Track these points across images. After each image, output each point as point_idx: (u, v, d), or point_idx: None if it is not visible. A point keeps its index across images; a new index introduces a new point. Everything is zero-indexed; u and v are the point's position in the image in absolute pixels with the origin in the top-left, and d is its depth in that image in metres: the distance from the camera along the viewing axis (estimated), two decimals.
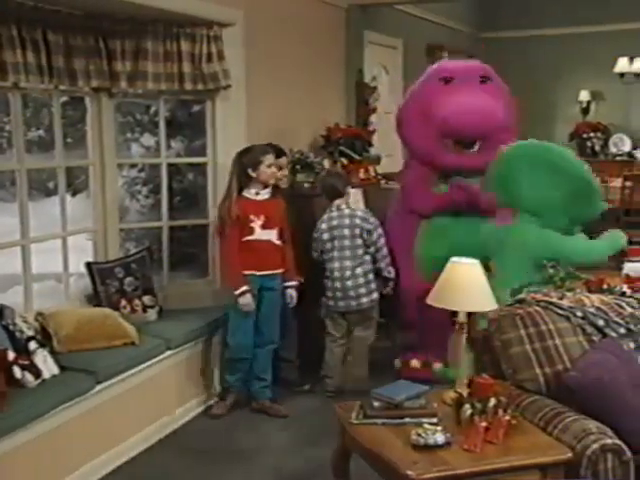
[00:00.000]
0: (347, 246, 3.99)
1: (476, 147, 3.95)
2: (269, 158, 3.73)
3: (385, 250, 4.08)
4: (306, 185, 4.70)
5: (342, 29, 5.69)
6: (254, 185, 3.73)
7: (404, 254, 4.15)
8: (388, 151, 6.66)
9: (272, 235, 3.76)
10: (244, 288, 3.67)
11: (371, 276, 4.07)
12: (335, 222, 4.01)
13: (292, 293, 3.91)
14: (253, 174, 3.70)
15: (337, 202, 4.07)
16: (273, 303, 3.83)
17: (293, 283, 3.91)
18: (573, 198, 3.37)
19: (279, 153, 4.13)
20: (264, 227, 3.72)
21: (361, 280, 4.01)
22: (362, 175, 5.21)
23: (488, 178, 3.66)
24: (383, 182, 5.66)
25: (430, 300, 2.79)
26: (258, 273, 3.73)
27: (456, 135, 3.91)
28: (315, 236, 4.07)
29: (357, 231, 3.97)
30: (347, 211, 4.02)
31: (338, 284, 4.02)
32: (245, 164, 3.70)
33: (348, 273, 3.99)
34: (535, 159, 3.48)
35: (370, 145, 5.52)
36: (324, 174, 4.32)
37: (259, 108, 4.55)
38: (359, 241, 3.99)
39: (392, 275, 4.12)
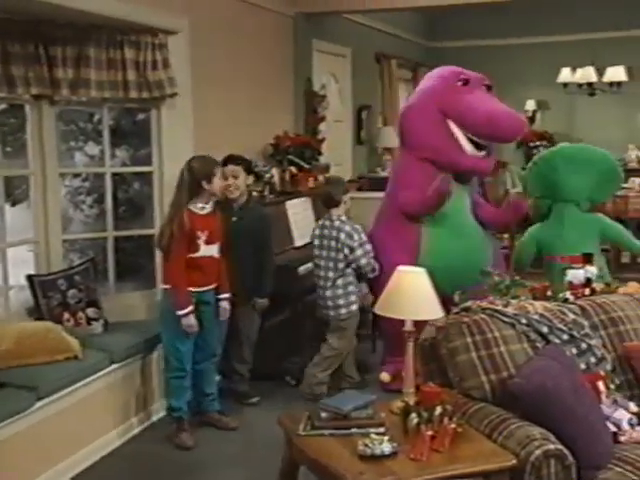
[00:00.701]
0: (332, 257, 4.05)
1: (485, 151, 4.10)
2: (219, 171, 3.65)
3: (369, 267, 4.08)
4: (255, 194, 4.68)
5: (290, 37, 5.71)
6: (201, 198, 3.59)
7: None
8: (337, 160, 6.70)
9: (214, 250, 3.66)
10: (189, 309, 3.56)
11: (351, 288, 4.12)
12: (326, 232, 4.08)
13: (225, 306, 3.83)
14: (207, 186, 3.56)
15: (333, 211, 4.09)
16: (211, 317, 3.76)
17: (225, 296, 3.81)
18: (603, 182, 4.51)
19: (237, 161, 4.06)
20: (207, 242, 3.60)
21: (340, 291, 4.08)
22: (311, 184, 5.23)
23: (525, 178, 4.52)
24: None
25: (378, 309, 2.81)
26: (198, 289, 3.64)
27: (493, 135, 3.99)
28: (310, 241, 4.24)
29: (339, 245, 4.02)
30: (337, 223, 4.05)
31: (320, 292, 4.13)
32: (198, 175, 3.54)
33: (329, 283, 4.07)
34: (569, 157, 4.51)
35: (319, 154, 5.55)
36: (323, 181, 4.35)
37: (206, 116, 4.52)
38: (341, 255, 4.04)
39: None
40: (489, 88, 4.16)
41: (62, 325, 3.65)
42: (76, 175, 4.76)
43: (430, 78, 4.23)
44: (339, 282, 4.07)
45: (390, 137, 7.69)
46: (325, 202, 4.08)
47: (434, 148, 4.02)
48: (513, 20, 8.60)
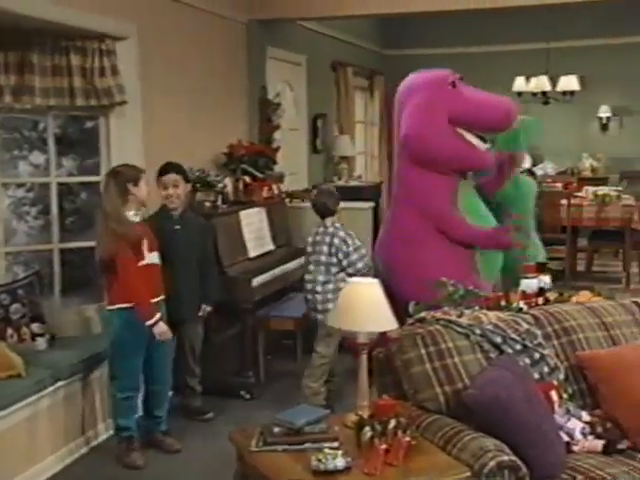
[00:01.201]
0: (323, 262, 4.12)
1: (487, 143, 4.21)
2: (144, 177, 3.58)
3: (366, 269, 4.15)
4: (207, 204, 4.66)
5: (243, 45, 5.70)
6: (131, 206, 3.51)
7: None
8: (293, 169, 6.71)
9: (156, 258, 3.60)
10: (157, 317, 3.49)
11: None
12: (318, 238, 4.17)
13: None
14: (133, 189, 3.46)
15: (328, 220, 4.19)
16: None
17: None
18: None
19: (177, 169, 4.01)
20: (150, 250, 3.54)
21: (330, 296, 4.10)
22: (265, 193, 5.21)
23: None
24: (287, 200, 5.69)
25: (332, 322, 2.81)
26: (154, 300, 3.56)
27: (503, 124, 4.13)
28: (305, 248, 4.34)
29: (333, 250, 4.10)
30: (331, 229, 4.15)
31: (310, 296, 4.17)
32: (124, 179, 3.46)
33: (319, 288, 4.11)
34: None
35: (274, 163, 5.55)
36: (316, 192, 4.45)
37: (157, 125, 4.48)
38: (334, 259, 4.09)
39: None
40: (461, 79, 4.22)
41: (5, 341, 3.56)
42: (20, 185, 4.65)
43: (417, 91, 4.15)
44: (330, 287, 4.10)
45: (346, 146, 7.74)
46: (320, 212, 4.22)
47: (459, 159, 4.08)
48: (469, 29, 8.75)
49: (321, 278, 4.11)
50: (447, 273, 3.40)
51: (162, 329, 3.52)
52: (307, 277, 4.19)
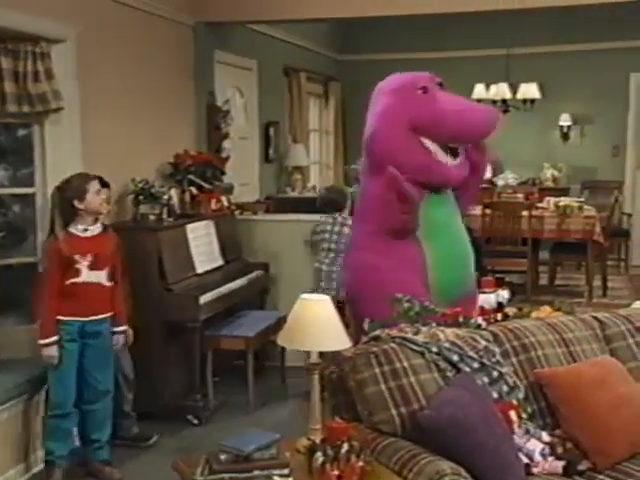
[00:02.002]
0: (333, 249, 4.97)
1: (459, 158, 3.98)
2: (95, 185, 3.57)
3: None
4: (151, 217, 4.62)
5: (190, 48, 5.68)
6: (82, 220, 3.54)
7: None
8: (243, 179, 6.70)
9: (102, 277, 3.58)
10: (53, 339, 3.48)
11: None
12: (328, 227, 5.04)
13: (119, 339, 3.76)
14: (80, 206, 3.50)
15: (337, 213, 5.05)
16: (101, 350, 3.66)
17: (121, 328, 3.75)
18: None
19: (103, 184, 3.96)
20: (92, 268, 3.53)
21: (334, 278, 4.85)
22: (214, 206, 5.20)
23: None
24: (238, 213, 5.68)
25: (281, 341, 2.81)
26: (82, 319, 3.56)
27: (472, 135, 3.94)
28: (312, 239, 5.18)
29: (342, 239, 4.87)
30: (340, 219, 5.03)
31: (323, 275, 4.97)
32: (69, 196, 3.50)
33: (335, 268, 4.88)
34: None
35: (223, 173, 5.53)
36: (324, 190, 5.30)
37: (97, 133, 4.43)
38: (342, 246, 4.80)
39: None
40: (441, 85, 4.05)
41: None
42: None
43: (384, 94, 4.01)
44: (334, 275, 4.89)
45: (300, 155, 7.77)
46: (330, 206, 5.08)
47: (415, 170, 3.82)
48: (427, 34, 8.89)
49: (325, 268, 4.94)
50: (401, 289, 3.37)
51: (50, 353, 3.50)
52: (320, 259, 5.02)
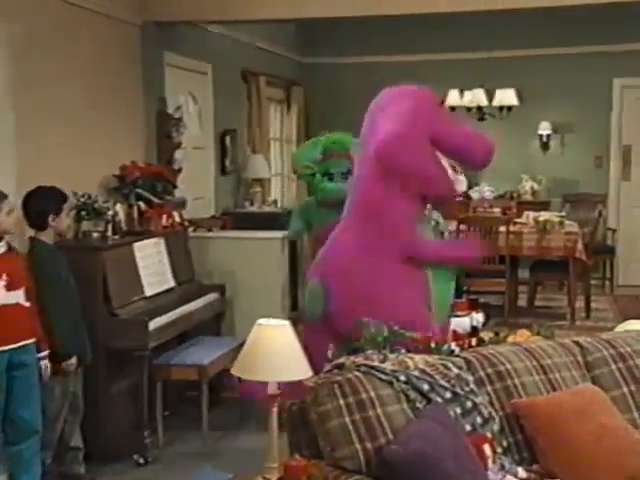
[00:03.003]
0: None
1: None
2: (8, 203, 3.55)
3: None
4: (95, 235, 4.59)
5: (137, 50, 5.67)
6: None
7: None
8: (197, 193, 6.69)
9: (20, 297, 3.55)
10: None
11: None
12: None
13: (46, 363, 3.71)
14: None
15: None
16: (29, 383, 3.60)
17: (45, 353, 3.70)
18: None
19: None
20: (9, 288, 3.49)
21: None
22: (164, 222, 5.18)
23: None
24: (191, 230, 5.67)
25: (236, 371, 2.80)
26: (7, 347, 3.49)
27: (481, 168, 4.35)
28: None
29: None
30: None
31: None
32: None
33: None
34: None
35: (174, 186, 5.51)
36: None
37: (34, 142, 4.40)
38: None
39: None
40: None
41: None
42: None
43: (404, 97, 4.15)
44: None
45: (260, 166, 7.78)
46: None
47: (432, 182, 4.04)
48: (397, 36, 8.99)
49: None
50: (400, 309, 3.51)
51: None
52: None
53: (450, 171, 4.12)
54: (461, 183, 4.57)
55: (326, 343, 3.45)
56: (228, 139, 7.42)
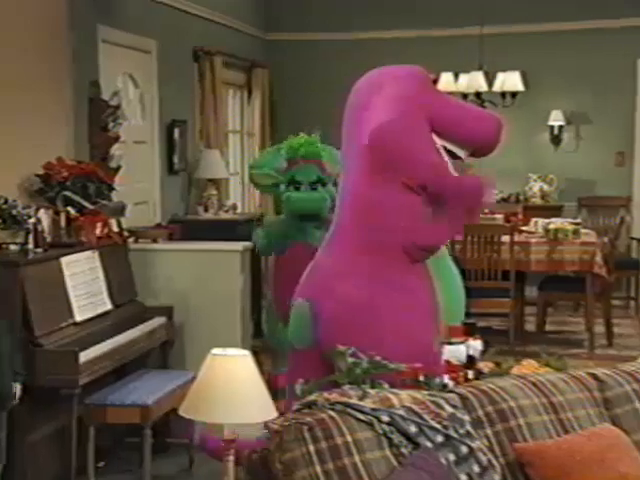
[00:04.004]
0: None
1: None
2: None
3: None
4: (12, 247, 4.57)
5: (64, 24, 5.64)
6: None
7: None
8: (139, 196, 6.67)
9: None
10: None
11: None
12: None
13: None
14: None
15: None
16: None
17: None
18: None
19: None
20: None
21: None
22: (99, 232, 5.16)
23: None
24: (131, 241, 5.65)
25: (184, 411, 2.80)
26: None
27: (492, 149, 4.36)
28: None
29: None
30: None
31: None
32: None
33: None
34: None
35: (111, 189, 5.49)
36: None
37: None
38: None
39: None
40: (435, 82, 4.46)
41: None
42: None
43: (399, 78, 4.28)
44: None
45: (216, 164, 7.78)
46: None
47: (431, 175, 4.14)
48: (378, 8, 9.07)
49: None
50: (406, 324, 3.61)
51: None
52: None
53: (450, 166, 4.20)
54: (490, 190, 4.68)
55: (317, 374, 3.50)
56: (177, 132, 7.42)
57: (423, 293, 4.09)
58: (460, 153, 4.26)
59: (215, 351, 2.81)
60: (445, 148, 4.21)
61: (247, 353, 2.84)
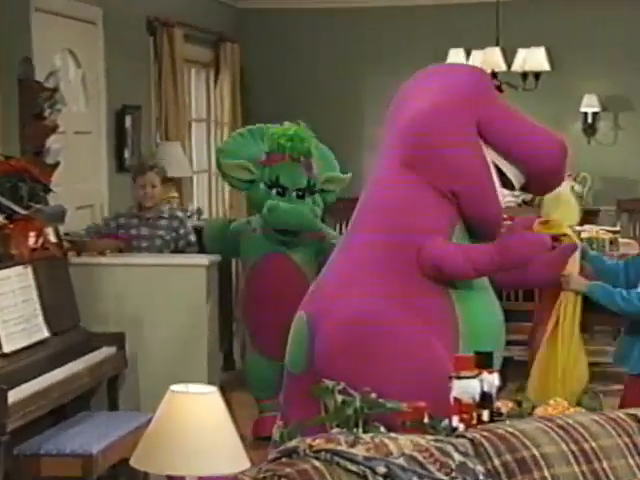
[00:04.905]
0: None
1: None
2: None
3: None
4: None
5: None
6: None
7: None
8: (83, 199, 6.67)
9: None
10: None
11: None
12: None
13: None
14: None
15: None
16: None
17: None
18: None
19: None
20: None
21: None
22: (33, 242, 5.15)
23: None
24: (73, 254, 5.63)
25: (136, 461, 2.80)
26: None
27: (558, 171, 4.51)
28: None
29: None
30: None
31: None
32: None
33: None
34: None
35: (47, 190, 5.48)
36: None
37: None
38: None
39: None
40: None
41: None
42: None
43: (448, 73, 4.55)
44: None
45: (176, 160, 7.76)
46: None
47: (471, 186, 4.25)
48: None
49: None
50: (416, 351, 3.70)
51: None
52: None
53: (499, 187, 4.36)
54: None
55: (312, 412, 3.52)
56: (128, 120, 7.43)
57: (440, 316, 4.15)
58: (512, 175, 4.36)
59: (175, 388, 2.81)
60: (496, 167, 4.32)
61: (214, 390, 2.84)
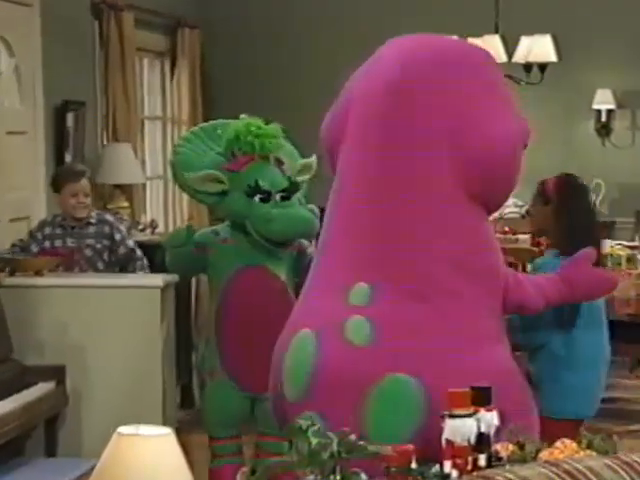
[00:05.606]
0: None
1: None
2: None
3: None
4: None
5: None
6: None
7: None
8: (14, 211, 6.68)
9: None
10: None
11: None
12: None
13: None
14: None
15: None
16: None
17: None
18: None
19: None
20: None
21: None
22: None
23: None
24: (4, 275, 5.64)
25: None
26: None
27: None
28: None
29: None
30: None
31: None
32: None
33: None
34: None
35: None
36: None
37: None
38: None
39: None
40: None
41: None
42: None
43: (475, 68, 4.38)
44: None
45: (127, 164, 7.76)
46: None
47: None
48: None
49: None
50: None
51: None
52: None
53: None
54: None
55: None
56: (70, 118, 7.44)
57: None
58: None
59: (124, 429, 2.81)
60: None
61: (169, 432, 2.83)
